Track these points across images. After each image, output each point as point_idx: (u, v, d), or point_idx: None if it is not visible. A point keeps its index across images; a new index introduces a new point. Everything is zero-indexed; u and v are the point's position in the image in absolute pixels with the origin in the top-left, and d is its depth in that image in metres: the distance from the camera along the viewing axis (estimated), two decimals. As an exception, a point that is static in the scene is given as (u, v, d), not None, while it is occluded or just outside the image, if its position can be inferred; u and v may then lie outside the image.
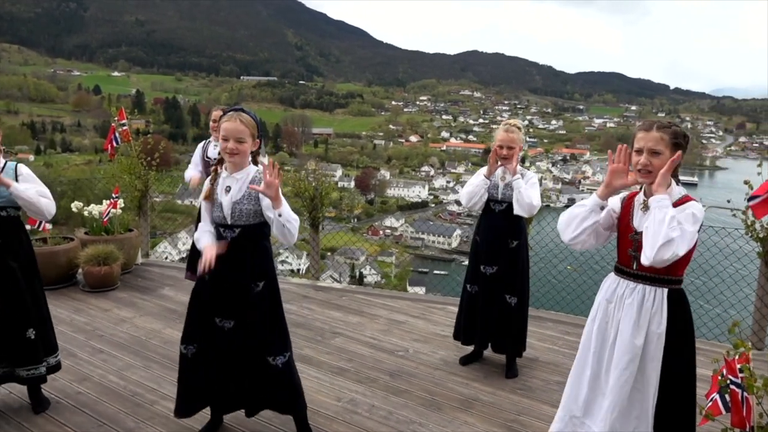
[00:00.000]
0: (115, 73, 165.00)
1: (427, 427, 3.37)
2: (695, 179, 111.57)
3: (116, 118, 6.64)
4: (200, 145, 5.28)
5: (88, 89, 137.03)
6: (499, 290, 4.05)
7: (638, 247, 2.34)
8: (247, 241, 2.83)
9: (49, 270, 5.58)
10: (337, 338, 4.74)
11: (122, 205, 6.39)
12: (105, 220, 6.23)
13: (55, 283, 5.70)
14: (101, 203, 6.52)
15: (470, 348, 4.40)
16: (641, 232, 2.32)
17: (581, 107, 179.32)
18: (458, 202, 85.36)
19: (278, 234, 2.72)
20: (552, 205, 67.92)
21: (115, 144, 6.59)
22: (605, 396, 2.45)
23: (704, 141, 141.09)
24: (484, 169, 4.03)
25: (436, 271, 57.72)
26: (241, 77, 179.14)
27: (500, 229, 4.01)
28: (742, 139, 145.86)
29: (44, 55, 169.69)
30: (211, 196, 2.88)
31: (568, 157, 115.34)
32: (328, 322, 5.11)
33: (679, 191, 2.35)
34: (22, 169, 3.35)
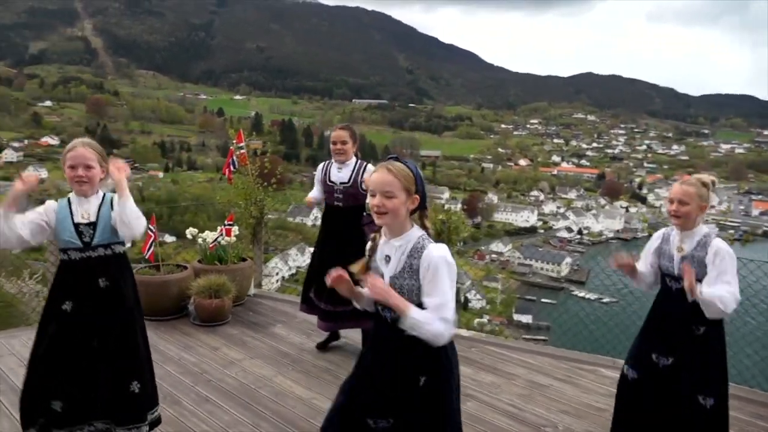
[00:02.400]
0: (237, 97, 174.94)
1: None
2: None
3: (234, 141, 6.33)
4: (320, 167, 4.90)
5: (213, 111, 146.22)
6: (683, 388, 2.98)
7: None
8: None
9: (161, 300, 5.32)
10: (469, 402, 4.01)
11: (236, 232, 6.07)
12: (212, 245, 5.93)
13: (166, 314, 5.39)
14: (216, 227, 6.27)
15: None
16: None
17: (706, 131, 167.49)
18: (569, 229, 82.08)
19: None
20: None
21: (232, 168, 6.27)
22: None
23: None
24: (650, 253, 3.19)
25: (543, 300, 55.26)
26: (353, 100, 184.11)
27: (680, 314, 2.98)
28: None
29: (175, 80, 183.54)
30: (367, 268, 2.30)
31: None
32: (458, 381, 4.39)
33: None
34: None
